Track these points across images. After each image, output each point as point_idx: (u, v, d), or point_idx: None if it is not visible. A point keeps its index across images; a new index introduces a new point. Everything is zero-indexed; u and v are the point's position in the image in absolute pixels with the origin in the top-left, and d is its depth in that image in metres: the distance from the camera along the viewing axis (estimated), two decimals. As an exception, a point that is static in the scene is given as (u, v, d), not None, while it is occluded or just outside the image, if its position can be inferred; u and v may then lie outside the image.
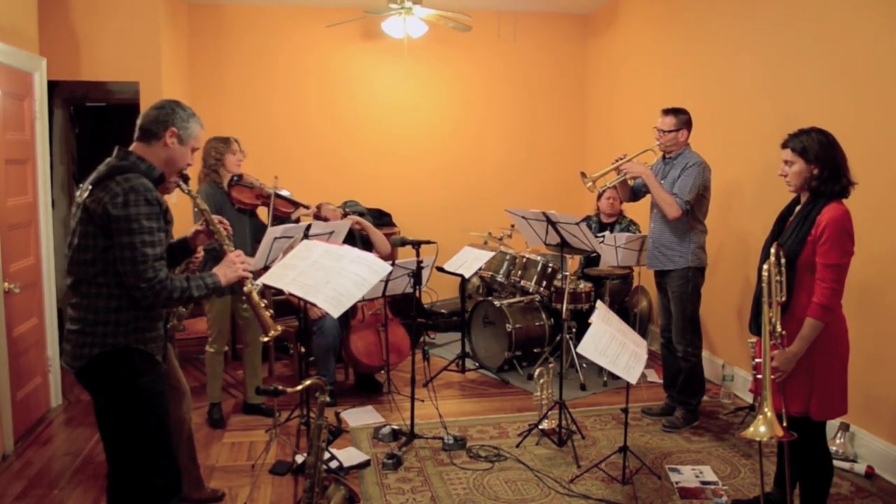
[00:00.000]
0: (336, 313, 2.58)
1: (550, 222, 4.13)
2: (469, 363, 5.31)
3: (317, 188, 6.06)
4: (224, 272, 2.38)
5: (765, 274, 2.69)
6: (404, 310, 4.90)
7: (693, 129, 4.03)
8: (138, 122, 2.36)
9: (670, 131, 3.99)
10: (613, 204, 5.34)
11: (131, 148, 2.34)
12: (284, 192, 4.37)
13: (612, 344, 3.19)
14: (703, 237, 4.03)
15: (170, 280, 2.20)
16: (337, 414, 4.22)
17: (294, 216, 4.43)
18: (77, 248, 2.21)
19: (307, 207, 4.47)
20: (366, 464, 3.64)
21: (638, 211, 5.41)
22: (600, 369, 4.91)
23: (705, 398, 4.29)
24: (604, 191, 5.28)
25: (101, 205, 2.15)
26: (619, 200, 5.31)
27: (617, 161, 4.11)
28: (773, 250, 2.71)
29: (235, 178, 4.16)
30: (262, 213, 4.30)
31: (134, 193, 2.15)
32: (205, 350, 4.18)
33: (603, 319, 3.30)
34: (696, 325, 4.07)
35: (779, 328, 2.67)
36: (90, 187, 2.21)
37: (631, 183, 4.27)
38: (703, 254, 4.03)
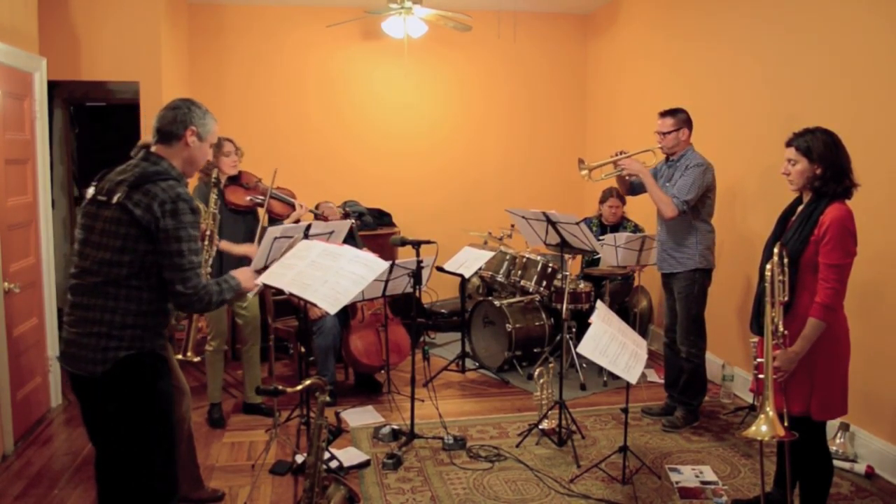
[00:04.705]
0: (333, 310, 2.58)
1: (550, 222, 4.13)
2: (469, 363, 5.30)
3: (317, 188, 6.05)
4: (244, 277, 2.50)
5: (768, 274, 2.68)
6: (404, 310, 4.90)
7: (693, 128, 4.03)
8: (154, 124, 2.35)
9: (670, 132, 3.99)
10: (616, 212, 5.33)
11: (153, 150, 2.33)
12: (281, 195, 4.31)
13: (611, 344, 3.19)
14: (711, 238, 4.02)
15: (208, 286, 2.28)
16: (337, 414, 4.22)
17: (292, 219, 4.34)
18: (112, 250, 2.17)
19: (301, 207, 4.37)
20: (366, 464, 3.64)
21: (641, 214, 5.41)
22: (600, 369, 4.90)
23: (705, 398, 4.29)
24: (606, 199, 5.31)
25: (149, 210, 2.15)
26: (622, 206, 5.31)
27: (616, 155, 4.12)
28: (776, 250, 2.70)
29: (230, 179, 4.15)
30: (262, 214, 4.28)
31: (182, 202, 2.20)
32: (204, 349, 4.17)
33: (603, 319, 3.30)
34: (700, 326, 4.07)
35: (781, 328, 2.66)
36: (127, 189, 2.18)
37: (629, 179, 4.27)
38: (710, 255, 4.02)
